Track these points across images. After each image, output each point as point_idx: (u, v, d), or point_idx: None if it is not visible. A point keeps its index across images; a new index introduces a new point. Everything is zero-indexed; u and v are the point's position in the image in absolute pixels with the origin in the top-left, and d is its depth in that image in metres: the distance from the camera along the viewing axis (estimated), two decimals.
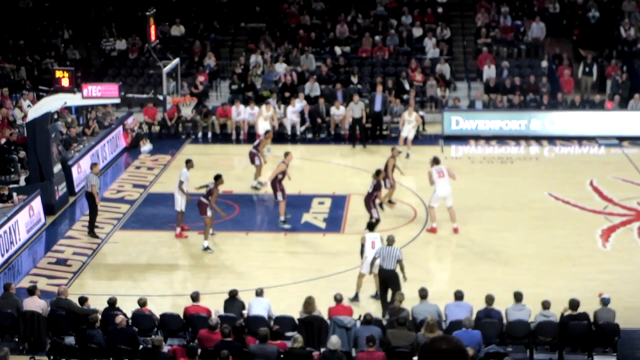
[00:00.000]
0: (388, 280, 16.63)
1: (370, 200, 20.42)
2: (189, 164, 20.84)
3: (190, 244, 20.56)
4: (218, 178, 20.17)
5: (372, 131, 28.56)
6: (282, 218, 21.48)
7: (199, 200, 20.09)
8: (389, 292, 16.56)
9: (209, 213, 19.89)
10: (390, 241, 16.92)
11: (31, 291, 16.00)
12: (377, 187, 20.44)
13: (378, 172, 20.64)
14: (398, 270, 16.61)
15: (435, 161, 20.83)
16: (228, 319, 14.97)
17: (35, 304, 15.69)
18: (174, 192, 20.82)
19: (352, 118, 27.94)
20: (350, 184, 24.14)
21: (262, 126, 27.06)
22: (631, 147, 27.38)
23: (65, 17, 35.61)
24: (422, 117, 29.31)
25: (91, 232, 21.03)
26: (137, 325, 15.39)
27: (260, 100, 29.56)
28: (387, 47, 32.96)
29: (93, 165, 21.68)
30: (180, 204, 20.68)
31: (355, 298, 17.25)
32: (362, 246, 17.36)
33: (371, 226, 17.63)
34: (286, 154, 21.82)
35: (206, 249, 20.01)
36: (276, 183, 21.32)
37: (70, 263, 19.67)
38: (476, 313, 15.29)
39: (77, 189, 23.59)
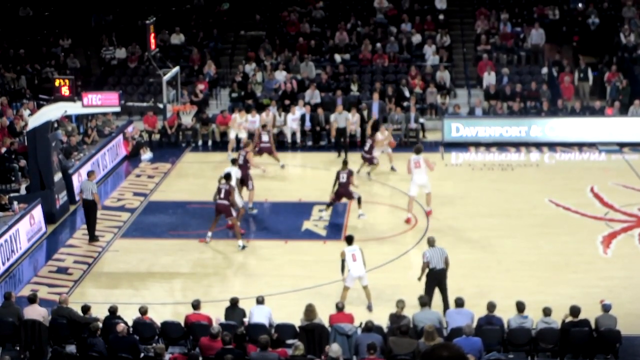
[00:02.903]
0: (440, 281, 16.84)
1: (348, 188, 21.56)
2: (235, 162, 21.87)
3: (191, 252, 20.54)
4: (228, 177, 20.58)
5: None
6: (250, 205, 22.45)
7: (217, 204, 20.28)
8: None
9: (234, 213, 20.19)
10: (433, 242, 17.10)
11: (31, 299, 15.98)
12: (350, 174, 21.69)
13: (345, 163, 22.06)
14: None
15: (416, 151, 21.98)
16: (229, 326, 14.96)
17: (36, 313, 15.67)
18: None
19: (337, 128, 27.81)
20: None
21: (233, 133, 27.97)
22: (632, 153, 27.37)
23: (65, 26, 35.67)
24: (422, 124, 29.37)
25: (92, 239, 21.03)
26: (138, 334, 15.38)
27: (260, 108, 29.60)
28: (387, 55, 33.00)
29: (90, 173, 21.65)
30: (239, 201, 21.10)
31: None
32: (343, 262, 17.30)
33: (349, 240, 17.59)
34: (246, 144, 23.47)
35: (243, 247, 20.39)
36: (249, 172, 22.42)
37: (71, 271, 19.66)
38: (477, 320, 15.27)
39: (77, 198, 23.57)
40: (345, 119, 27.67)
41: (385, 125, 26.87)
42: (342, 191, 21.62)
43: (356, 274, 17.13)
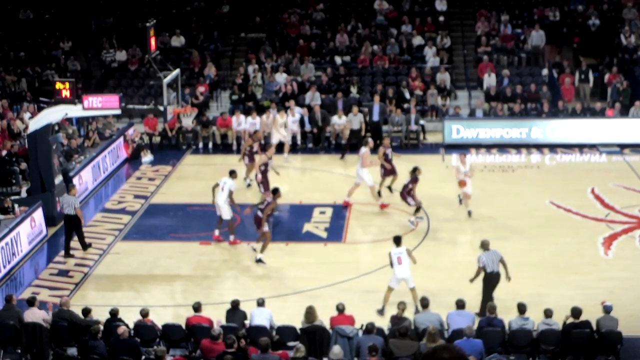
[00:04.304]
0: (496, 283, 16.87)
1: (405, 192, 21.74)
2: (233, 174, 21.01)
3: (192, 254, 20.54)
4: (276, 192, 20.25)
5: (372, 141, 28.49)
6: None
7: (255, 214, 20.14)
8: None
9: (266, 227, 19.90)
10: (487, 245, 17.06)
11: (30, 302, 15.97)
12: (413, 180, 21.63)
13: (414, 169, 21.75)
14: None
15: (363, 143, 23.48)
16: (230, 329, 14.96)
17: (36, 316, 15.67)
18: (219, 203, 20.70)
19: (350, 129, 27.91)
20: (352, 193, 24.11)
21: (277, 136, 27.72)
22: (632, 154, 27.38)
23: (65, 28, 35.68)
24: (422, 126, 29.36)
25: (85, 247, 20.85)
26: (139, 336, 15.37)
27: (260, 111, 29.58)
28: (388, 56, 33.00)
29: (71, 187, 21.12)
30: (228, 212, 20.75)
31: (381, 312, 17.16)
32: (391, 263, 17.23)
33: (397, 240, 17.48)
34: (268, 147, 23.39)
35: (259, 261, 19.87)
36: (258, 174, 22.45)
37: (71, 274, 19.66)
38: (478, 322, 15.27)
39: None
40: (360, 121, 27.78)
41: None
42: (402, 193, 21.88)
43: (400, 276, 17.09)
